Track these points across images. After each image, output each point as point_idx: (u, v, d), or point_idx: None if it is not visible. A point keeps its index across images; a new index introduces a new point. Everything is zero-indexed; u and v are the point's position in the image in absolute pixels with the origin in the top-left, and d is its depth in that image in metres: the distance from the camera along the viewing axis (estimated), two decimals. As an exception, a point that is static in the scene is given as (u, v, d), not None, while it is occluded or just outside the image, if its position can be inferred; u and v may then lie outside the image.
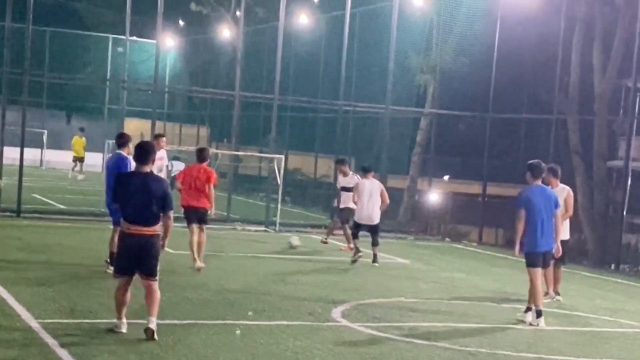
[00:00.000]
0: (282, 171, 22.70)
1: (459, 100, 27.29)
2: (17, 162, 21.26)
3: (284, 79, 26.40)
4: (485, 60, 25.61)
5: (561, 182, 14.19)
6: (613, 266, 21.32)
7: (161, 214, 9.30)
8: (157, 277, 9.29)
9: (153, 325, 9.10)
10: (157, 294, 9.27)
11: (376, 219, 17.08)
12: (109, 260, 12.94)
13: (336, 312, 11.69)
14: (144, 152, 9.43)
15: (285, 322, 10.75)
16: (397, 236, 24.29)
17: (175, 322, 10.18)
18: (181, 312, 10.84)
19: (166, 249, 9.74)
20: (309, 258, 17.53)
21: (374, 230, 17.16)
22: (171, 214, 9.41)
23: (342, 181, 19.26)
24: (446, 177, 35.23)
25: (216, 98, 36.07)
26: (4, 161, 21.62)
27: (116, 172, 11.45)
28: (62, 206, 23.79)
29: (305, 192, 34.43)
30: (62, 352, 8.32)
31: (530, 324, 11.96)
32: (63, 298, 11.09)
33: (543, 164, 12.61)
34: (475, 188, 30.02)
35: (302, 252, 17.84)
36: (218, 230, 20.79)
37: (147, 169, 9.39)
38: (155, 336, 9.04)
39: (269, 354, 8.97)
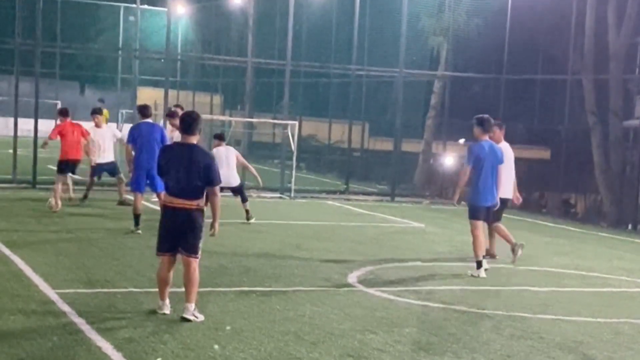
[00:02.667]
0: (296, 137, 22.65)
1: (472, 62, 27.06)
2: (32, 134, 21.31)
3: (296, 44, 26.25)
4: (498, 21, 25.37)
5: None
6: (630, 226, 21.27)
7: (207, 189, 8.80)
8: (199, 256, 8.84)
9: (189, 315, 8.63)
10: (196, 275, 8.75)
11: (234, 182, 17.45)
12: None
13: (352, 277, 11.70)
14: (191, 121, 8.94)
15: (301, 288, 10.77)
16: (413, 200, 24.29)
17: (192, 289, 10.18)
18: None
19: None
20: (323, 224, 17.52)
21: (235, 190, 17.52)
22: (217, 190, 8.90)
23: None
24: (461, 141, 35.00)
25: (229, 65, 35.95)
26: (19, 132, 21.75)
27: (161, 145, 11.79)
28: (76, 176, 23.84)
29: (319, 157, 34.43)
30: (80, 322, 8.34)
31: (471, 275, 12.27)
32: (79, 268, 11.13)
33: (492, 119, 12.64)
34: (490, 150, 29.85)
35: (316, 218, 17.83)
36: (235, 197, 20.79)
37: (193, 139, 8.88)
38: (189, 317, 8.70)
39: (286, 320, 8.97)
